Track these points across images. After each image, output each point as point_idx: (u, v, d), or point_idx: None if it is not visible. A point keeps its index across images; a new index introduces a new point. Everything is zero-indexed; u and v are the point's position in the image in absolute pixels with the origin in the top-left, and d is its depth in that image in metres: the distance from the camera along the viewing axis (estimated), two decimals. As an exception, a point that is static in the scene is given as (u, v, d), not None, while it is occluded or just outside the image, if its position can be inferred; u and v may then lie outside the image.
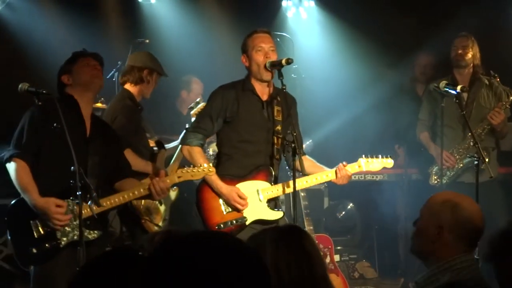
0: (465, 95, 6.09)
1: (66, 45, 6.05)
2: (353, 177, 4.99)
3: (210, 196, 4.76)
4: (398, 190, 6.96)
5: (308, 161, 4.89)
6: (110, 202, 4.36)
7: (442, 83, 5.61)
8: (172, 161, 5.58)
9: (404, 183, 6.89)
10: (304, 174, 4.77)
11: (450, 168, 6.13)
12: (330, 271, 6.02)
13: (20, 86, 4.19)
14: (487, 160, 5.34)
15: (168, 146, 5.68)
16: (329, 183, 5.40)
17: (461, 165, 6.11)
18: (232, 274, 1.55)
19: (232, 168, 4.81)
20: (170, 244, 1.62)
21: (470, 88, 6.14)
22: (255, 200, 4.78)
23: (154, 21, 8.15)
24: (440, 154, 5.98)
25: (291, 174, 4.68)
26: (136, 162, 5.09)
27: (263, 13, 8.18)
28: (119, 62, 6.39)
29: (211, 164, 4.71)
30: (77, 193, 3.98)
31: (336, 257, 6.57)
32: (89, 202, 4.19)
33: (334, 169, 4.84)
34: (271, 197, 4.81)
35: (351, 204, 7.46)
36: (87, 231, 4.26)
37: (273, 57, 4.76)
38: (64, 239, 4.25)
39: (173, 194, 5.63)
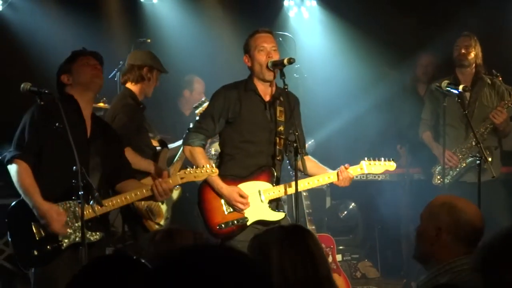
0: (467, 94, 6.08)
1: (68, 44, 6.03)
2: (355, 176, 4.98)
3: (211, 196, 4.75)
4: (400, 190, 6.96)
5: (310, 162, 4.87)
6: (112, 203, 4.34)
7: (444, 83, 5.61)
8: (175, 160, 5.59)
9: (406, 183, 6.88)
10: (306, 174, 4.76)
11: (453, 168, 6.12)
12: (332, 271, 6.00)
13: (22, 85, 4.15)
14: (489, 159, 5.34)
15: (172, 146, 5.68)
16: (331, 183, 5.40)
17: (464, 164, 6.10)
18: (234, 282, 1.56)
19: (234, 168, 4.81)
20: (174, 252, 1.63)
21: (473, 87, 6.14)
22: (257, 201, 4.77)
23: (156, 21, 8.16)
24: (442, 154, 5.98)
25: (293, 174, 4.68)
26: (137, 160, 5.09)
27: (265, 12, 8.18)
28: (121, 62, 6.39)
29: (213, 165, 4.70)
30: (79, 192, 3.94)
31: (338, 257, 6.56)
32: (91, 201, 4.14)
33: (336, 171, 4.83)
34: (272, 198, 4.80)
35: (353, 204, 7.47)
36: (89, 232, 4.22)
37: (275, 57, 4.74)
38: (66, 241, 4.22)
39: (175, 193, 5.62)
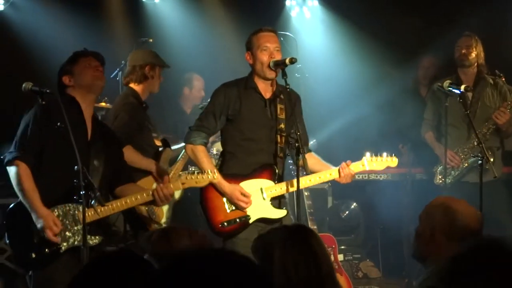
0: (469, 94, 6.08)
1: (69, 44, 6.04)
2: (356, 176, 4.99)
3: (213, 195, 4.75)
4: (402, 189, 6.95)
5: (313, 159, 4.88)
6: (112, 207, 4.31)
7: (446, 83, 5.60)
8: (177, 160, 5.59)
9: (408, 182, 6.88)
10: (308, 172, 4.76)
11: (455, 168, 6.12)
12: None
13: (24, 85, 4.13)
14: (491, 159, 5.33)
15: (175, 147, 5.67)
16: (333, 183, 5.40)
17: (466, 164, 6.10)
18: (234, 283, 1.56)
19: (236, 166, 4.81)
20: (175, 255, 1.63)
21: (475, 87, 6.13)
22: (259, 199, 4.77)
23: (157, 21, 8.16)
24: (444, 154, 5.97)
25: (295, 172, 4.67)
26: (138, 159, 5.09)
27: (267, 12, 8.18)
28: (123, 62, 6.39)
29: (215, 170, 4.67)
30: (81, 192, 3.92)
31: (340, 257, 6.56)
32: (93, 201, 4.09)
33: (337, 168, 4.83)
34: (274, 195, 4.80)
35: (354, 204, 7.46)
36: (89, 236, 4.15)
37: (278, 57, 4.74)
38: (65, 244, 4.20)
39: (177, 193, 5.61)
